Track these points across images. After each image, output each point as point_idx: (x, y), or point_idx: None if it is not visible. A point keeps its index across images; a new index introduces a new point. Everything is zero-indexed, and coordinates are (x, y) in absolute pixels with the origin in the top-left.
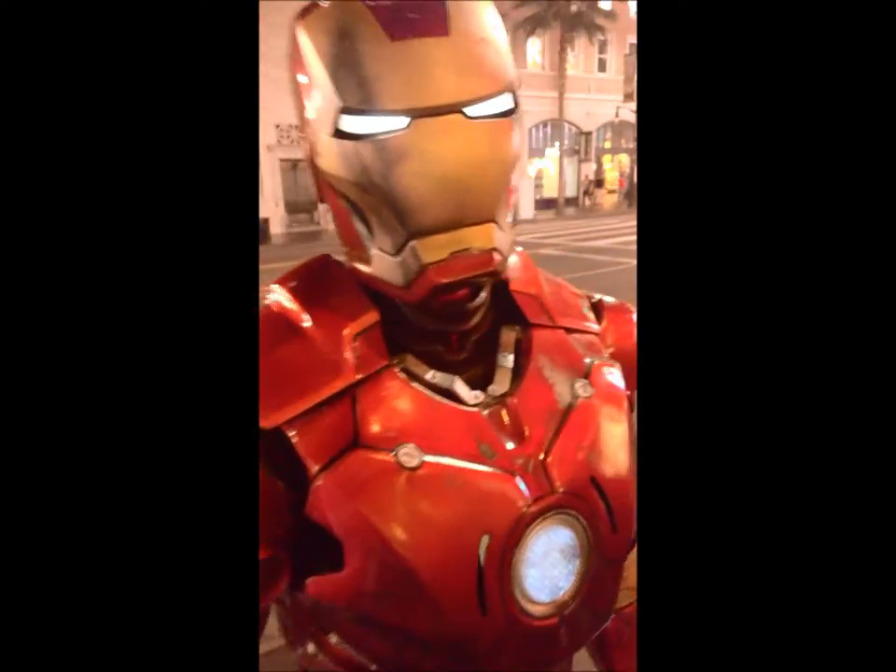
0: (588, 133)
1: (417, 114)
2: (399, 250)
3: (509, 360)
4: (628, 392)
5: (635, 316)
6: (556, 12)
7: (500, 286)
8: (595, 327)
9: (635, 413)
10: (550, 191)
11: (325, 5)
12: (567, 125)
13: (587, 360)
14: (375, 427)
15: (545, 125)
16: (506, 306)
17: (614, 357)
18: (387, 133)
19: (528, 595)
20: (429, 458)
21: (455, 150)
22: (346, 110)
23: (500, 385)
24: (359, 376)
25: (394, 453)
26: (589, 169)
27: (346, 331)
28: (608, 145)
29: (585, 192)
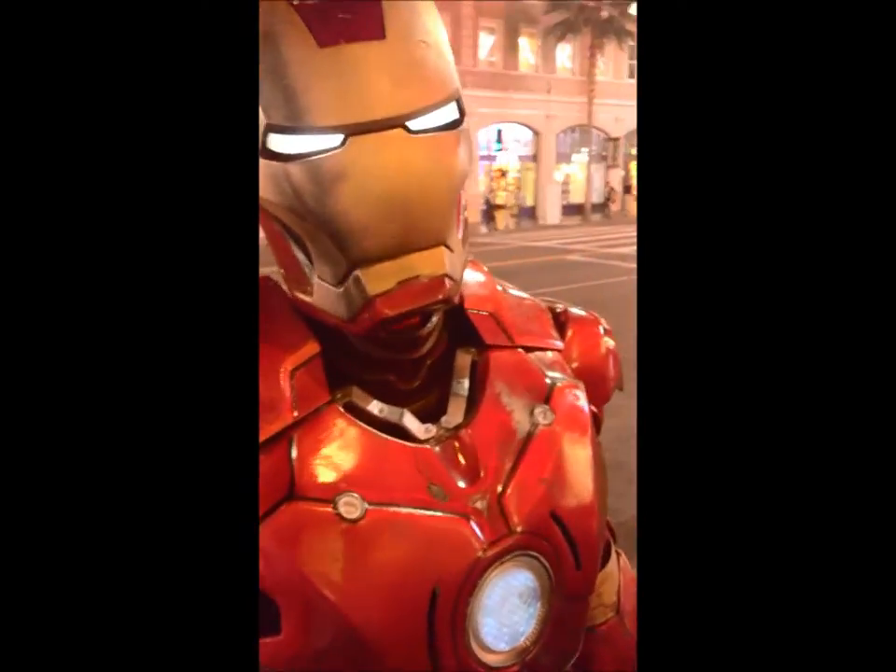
0: (616, 139)
1: (353, 130)
2: (341, 280)
3: (463, 387)
4: (594, 410)
5: (602, 329)
6: (587, 18)
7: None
8: (558, 343)
9: (600, 430)
10: (577, 197)
11: None
12: (595, 131)
13: (548, 381)
14: (314, 475)
15: (573, 130)
16: (461, 327)
17: (578, 372)
18: (320, 152)
19: (485, 645)
20: (373, 507)
21: (398, 169)
22: (273, 128)
23: (454, 415)
24: (297, 415)
25: (333, 504)
26: (616, 176)
27: (283, 366)
28: (636, 151)
29: (606, 199)
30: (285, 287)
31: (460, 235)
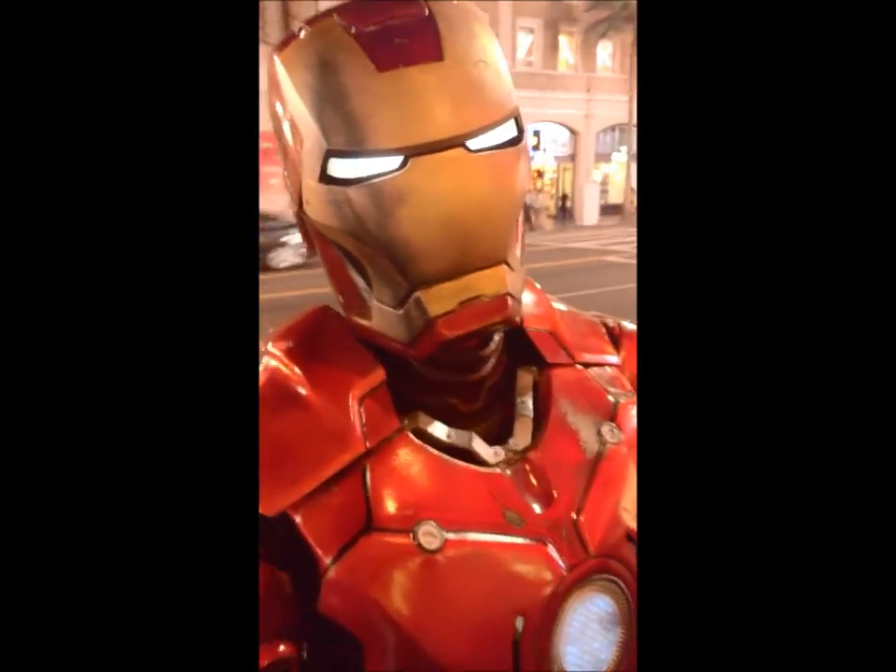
0: None
1: (413, 152)
2: (401, 303)
3: (528, 408)
4: None
5: None
6: (629, 15)
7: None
8: (614, 358)
9: None
10: (615, 197)
11: (303, 35)
12: (635, 129)
13: (611, 398)
14: (390, 505)
15: (613, 129)
16: (520, 346)
17: (633, 387)
18: (381, 175)
19: None
20: (452, 535)
21: (458, 189)
22: (334, 153)
23: (521, 437)
24: (369, 445)
25: (413, 534)
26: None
27: (351, 395)
28: None
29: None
30: (344, 315)
31: (519, 254)
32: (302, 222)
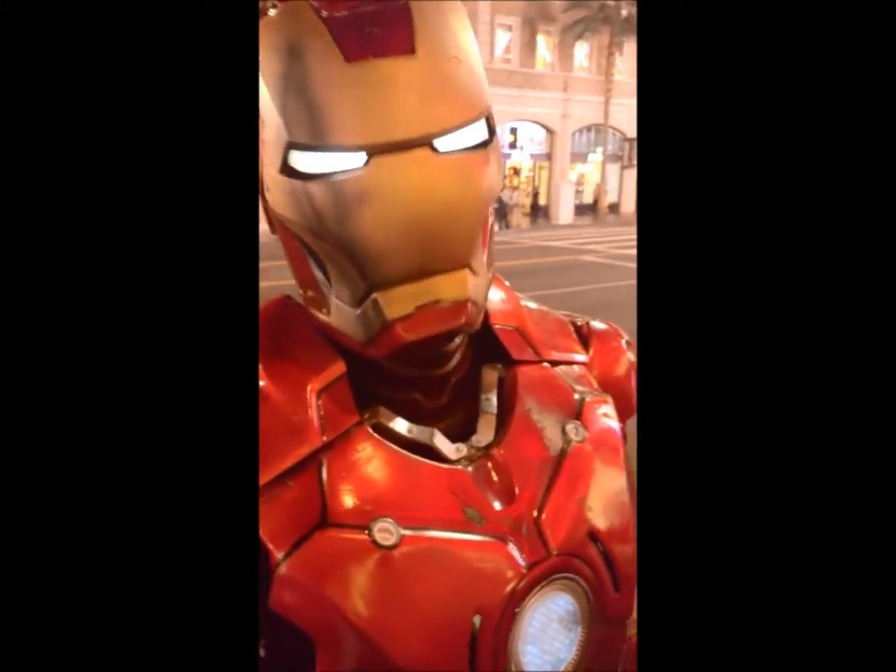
0: (633, 139)
1: (377, 150)
2: (359, 302)
3: (492, 404)
4: (621, 425)
5: (624, 343)
6: (606, 16)
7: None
8: (582, 357)
9: (627, 446)
10: (590, 197)
11: (273, 13)
12: (611, 130)
13: (577, 396)
14: (346, 500)
15: (589, 129)
16: (486, 342)
17: (601, 387)
18: (343, 172)
19: None
20: (409, 532)
21: (423, 191)
22: (295, 145)
23: (484, 434)
24: (326, 439)
25: (368, 530)
26: (631, 176)
27: (309, 387)
28: None
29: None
30: (305, 307)
31: (485, 258)
32: (266, 208)
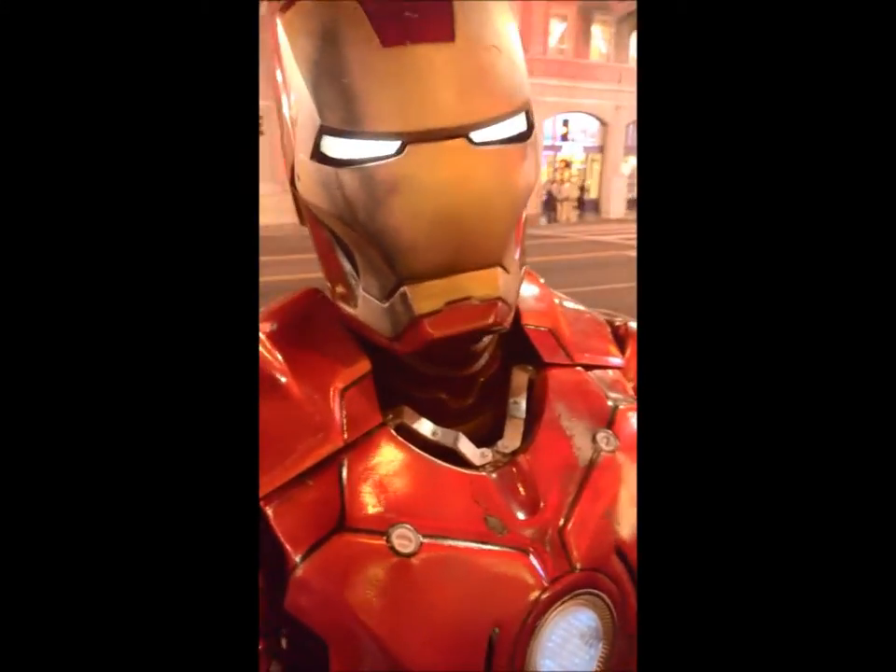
0: None
1: (412, 138)
2: (388, 296)
3: (521, 409)
4: None
5: None
6: None
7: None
8: (617, 360)
9: None
10: None
11: None
12: None
13: (610, 403)
14: (366, 504)
15: None
16: (517, 343)
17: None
18: (375, 159)
19: None
20: (428, 540)
21: (457, 183)
22: (327, 130)
23: (511, 439)
24: (348, 438)
25: (387, 536)
26: None
27: (333, 386)
28: None
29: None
30: (332, 301)
31: (517, 255)
32: (296, 197)
